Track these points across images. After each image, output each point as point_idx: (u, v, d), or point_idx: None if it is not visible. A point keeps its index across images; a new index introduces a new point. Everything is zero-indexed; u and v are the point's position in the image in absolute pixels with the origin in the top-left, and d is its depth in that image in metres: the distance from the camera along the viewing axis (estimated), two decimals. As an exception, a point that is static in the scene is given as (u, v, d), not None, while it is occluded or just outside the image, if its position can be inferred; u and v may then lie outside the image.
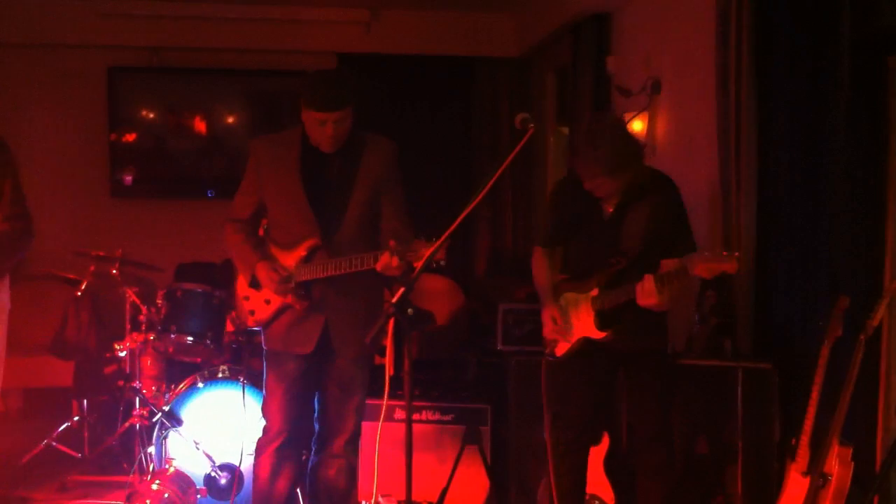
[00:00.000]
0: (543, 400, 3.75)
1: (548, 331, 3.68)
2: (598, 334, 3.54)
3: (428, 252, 2.99)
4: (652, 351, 3.63)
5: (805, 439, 3.29)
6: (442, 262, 2.97)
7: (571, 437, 3.70)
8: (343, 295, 3.55)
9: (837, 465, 3.17)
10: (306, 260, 3.54)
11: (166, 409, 4.49)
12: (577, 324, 3.61)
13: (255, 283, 3.62)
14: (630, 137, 3.58)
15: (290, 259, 3.57)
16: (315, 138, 3.51)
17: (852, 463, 3.18)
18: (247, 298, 3.68)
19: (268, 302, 3.62)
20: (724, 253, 3.21)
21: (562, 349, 3.66)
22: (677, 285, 3.32)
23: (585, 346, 3.60)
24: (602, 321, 3.54)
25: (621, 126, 3.61)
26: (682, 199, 3.63)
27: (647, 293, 3.32)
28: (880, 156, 3.55)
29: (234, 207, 3.74)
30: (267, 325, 3.66)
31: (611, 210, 3.57)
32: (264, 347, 3.71)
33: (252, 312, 3.68)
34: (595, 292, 3.55)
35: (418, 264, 3.05)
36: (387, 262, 3.28)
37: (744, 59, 4.06)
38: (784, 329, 3.94)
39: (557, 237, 3.78)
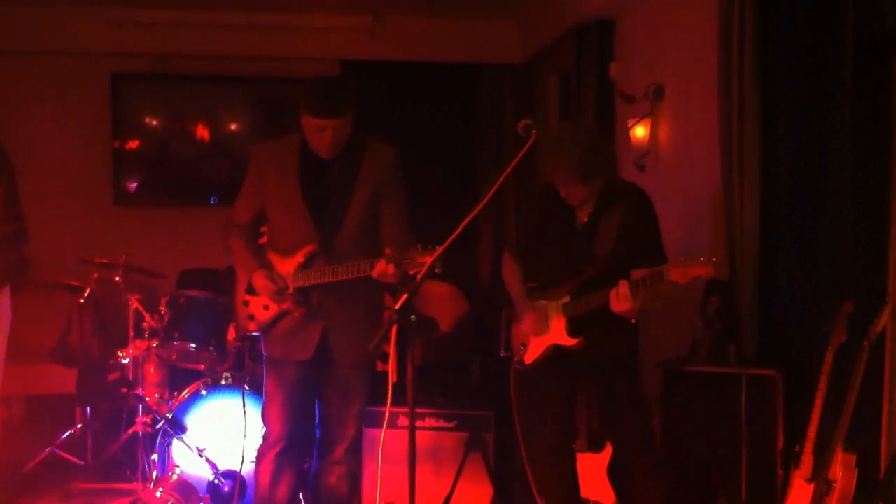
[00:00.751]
0: (513, 410, 3.77)
1: (527, 326, 3.68)
2: (569, 341, 3.56)
3: (428, 261, 2.98)
4: (621, 356, 3.65)
5: (809, 446, 3.28)
6: (438, 271, 2.97)
7: (546, 446, 3.71)
8: (342, 302, 3.55)
9: (842, 471, 3.16)
10: (304, 266, 3.54)
11: (170, 416, 4.49)
12: (548, 331, 3.63)
13: (252, 289, 3.63)
14: (601, 144, 3.58)
15: (288, 265, 3.57)
16: (314, 144, 3.51)
17: (856, 469, 3.17)
18: (246, 304, 3.69)
19: (266, 308, 3.63)
20: (702, 258, 3.20)
21: (530, 356, 3.69)
22: (648, 292, 3.32)
23: (553, 354, 3.62)
24: (573, 328, 3.55)
25: (592, 133, 3.60)
26: (654, 209, 3.65)
27: (622, 299, 3.33)
28: (884, 160, 3.54)
29: (233, 212, 3.74)
30: (266, 329, 3.66)
31: (584, 219, 3.61)
32: (264, 354, 3.71)
33: (251, 317, 3.68)
34: (566, 299, 3.57)
35: (413, 272, 3.05)
36: (383, 269, 3.29)
37: (746, 64, 4.06)
38: (788, 334, 3.94)
39: (531, 246, 3.83)
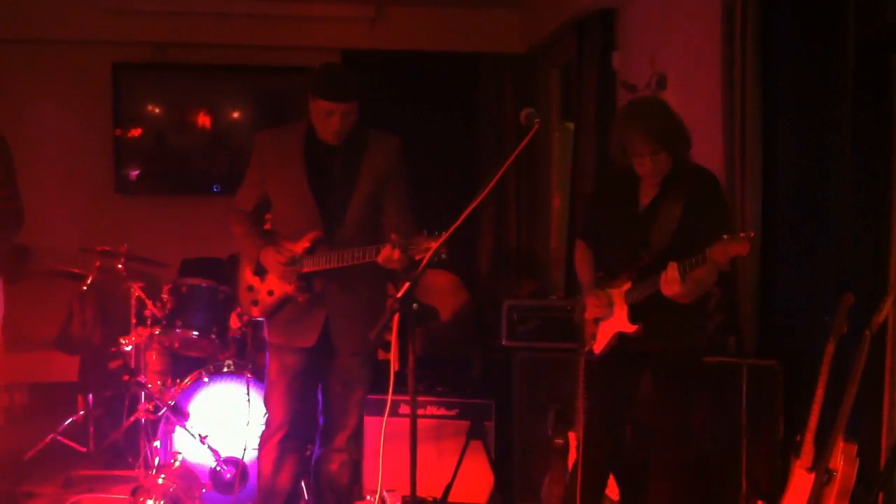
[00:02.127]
0: (579, 397, 3.73)
1: (591, 312, 3.63)
2: (629, 327, 3.51)
3: (433, 245, 2.99)
4: (680, 351, 3.56)
5: (810, 436, 3.29)
6: (444, 256, 2.97)
7: (600, 432, 3.69)
8: (344, 290, 3.56)
9: (842, 461, 3.17)
10: (310, 252, 3.54)
11: (171, 403, 4.50)
12: (612, 319, 3.59)
13: (259, 271, 3.63)
14: (679, 116, 3.53)
15: (295, 248, 3.57)
16: (321, 130, 3.52)
17: (857, 459, 3.18)
18: (250, 289, 3.69)
19: (270, 293, 3.63)
20: (741, 234, 3.15)
21: (599, 345, 3.63)
22: (699, 274, 3.27)
23: (619, 343, 3.58)
24: (634, 315, 3.51)
25: (668, 105, 3.58)
26: (722, 193, 3.59)
27: (669, 281, 3.27)
28: (885, 152, 3.55)
29: (237, 200, 3.75)
30: (270, 314, 3.67)
31: (646, 203, 3.55)
32: (267, 340, 3.73)
33: (255, 302, 3.69)
34: (627, 286, 3.52)
35: (419, 257, 3.06)
36: (388, 254, 3.29)
37: (749, 54, 4.05)
38: (789, 326, 3.94)
39: (597, 230, 3.75)
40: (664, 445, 3.62)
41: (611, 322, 3.58)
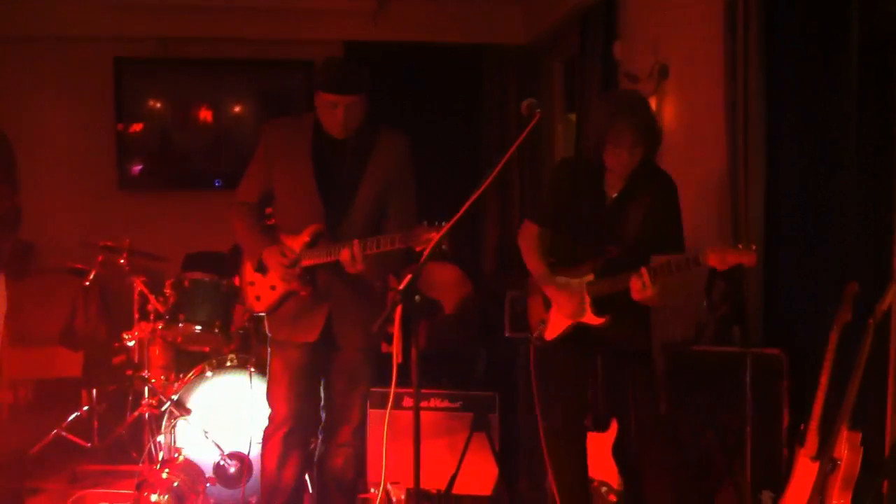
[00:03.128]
0: (533, 387, 3.75)
1: (569, 311, 3.60)
2: (595, 320, 3.53)
3: (434, 236, 2.98)
4: (639, 338, 3.62)
5: (814, 425, 3.28)
6: (445, 248, 2.96)
7: (562, 423, 3.70)
8: (347, 284, 3.55)
9: (847, 450, 3.17)
10: (310, 245, 3.53)
11: (175, 398, 4.50)
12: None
13: (261, 268, 3.62)
14: (656, 116, 3.58)
15: (294, 244, 3.57)
16: (327, 124, 3.51)
17: (861, 448, 3.17)
18: (252, 284, 3.69)
19: (273, 288, 3.62)
20: (740, 245, 3.18)
21: (551, 333, 3.65)
22: (666, 281, 3.31)
23: (574, 332, 3.60)
24: (599, 308, 3.53)
25: (648, 102, 3.62)
26: (678, 199, 3.62)
27: (643, 286, 3.31)
28: (889, 142, 3.53)
29: (240, 191, 3.73)
30: (272, 310, 3.66)
31: (613, 196, 3.57)
32: (269, 336, 3.72)
33: (258, 298, 3.68)
34: (590, 277, 3.54)
35: (419, 248, 3.05)
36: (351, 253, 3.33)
37: (751, 44, 4.04)
38: (793, 315, 3.93)
39: (553, 216, 3.73)
40: (644, 433, 3.65)
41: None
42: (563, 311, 3.61)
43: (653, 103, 5.06)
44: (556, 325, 3.65)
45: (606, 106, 3.53)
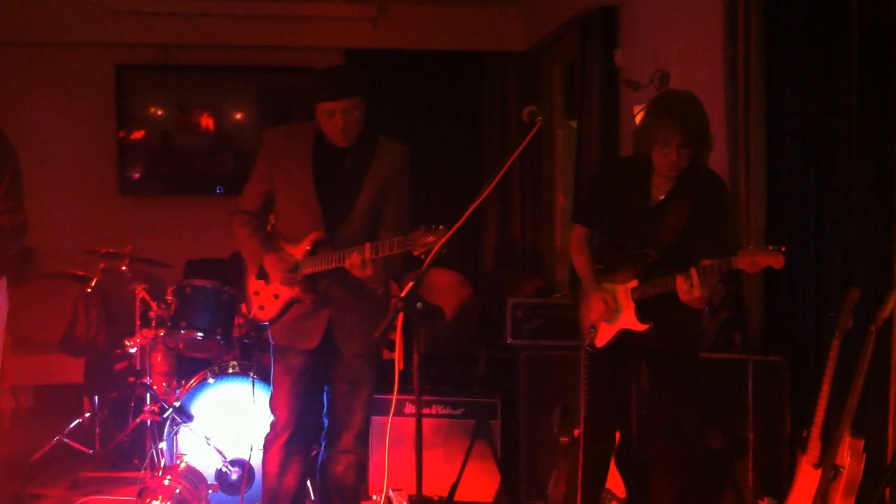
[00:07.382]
0: (581, 391, 3.69)
1: (597, 314, 3.58)
2: (639, 326, 3.48)
3: (432, 240, 2.98)
4: (680, 347, 3.56)
5: (816, 431, 3.28)
6: (444, 252, 2.95)
7: (600, 428, 3.68)
8: (348, 291, 3.55)
9: (849, 457, 3.17)
10: (311, 253, 3.54)
11: (177, 404, 4.50)
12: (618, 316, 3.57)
13: (263, 275, 3.63)
14: (709, 120, 3.48)
15: (296, 252, 3.57)
16: (328, 133, 3.51)
17: (864, 455, 3.18)
18: (257, 294, 3.69)
19: (276, 297, 3.63)
20: (770, 247, 3.13)
21: (602, 340, 3.61)
22: (713, 279, 3.25)
23: (621, 339, 3.56)
24: (643, 314, 3.49)
25: (703, 106, 3.51)
26: (729, 203, 3.56)
27: (691, 287, 3.24)
28: (891, 147, 3.54)
29: (242, 199, 3.73)
30: (276, 319, 3.66)
31: (660, 198, 3.51)
32: (271, 342, 3.72)
33: (262, 307, 3.68)
34: (634, 283, 3.49)
35: (417, 253, 3.04)
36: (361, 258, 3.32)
37: (752, 50, 4.04)
38: (794, 321, 3.93)
39: (598, 215, 3.69)
40: (662, 439, 3.62)
41: (616, 320, 3.56)
42: (592, 314, 3.59)
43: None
44: (606, 332, 3.61)
45: (655, 105, 3.47)
